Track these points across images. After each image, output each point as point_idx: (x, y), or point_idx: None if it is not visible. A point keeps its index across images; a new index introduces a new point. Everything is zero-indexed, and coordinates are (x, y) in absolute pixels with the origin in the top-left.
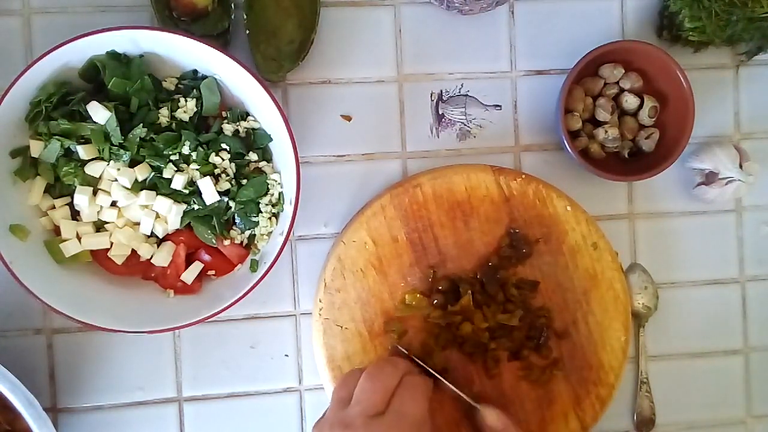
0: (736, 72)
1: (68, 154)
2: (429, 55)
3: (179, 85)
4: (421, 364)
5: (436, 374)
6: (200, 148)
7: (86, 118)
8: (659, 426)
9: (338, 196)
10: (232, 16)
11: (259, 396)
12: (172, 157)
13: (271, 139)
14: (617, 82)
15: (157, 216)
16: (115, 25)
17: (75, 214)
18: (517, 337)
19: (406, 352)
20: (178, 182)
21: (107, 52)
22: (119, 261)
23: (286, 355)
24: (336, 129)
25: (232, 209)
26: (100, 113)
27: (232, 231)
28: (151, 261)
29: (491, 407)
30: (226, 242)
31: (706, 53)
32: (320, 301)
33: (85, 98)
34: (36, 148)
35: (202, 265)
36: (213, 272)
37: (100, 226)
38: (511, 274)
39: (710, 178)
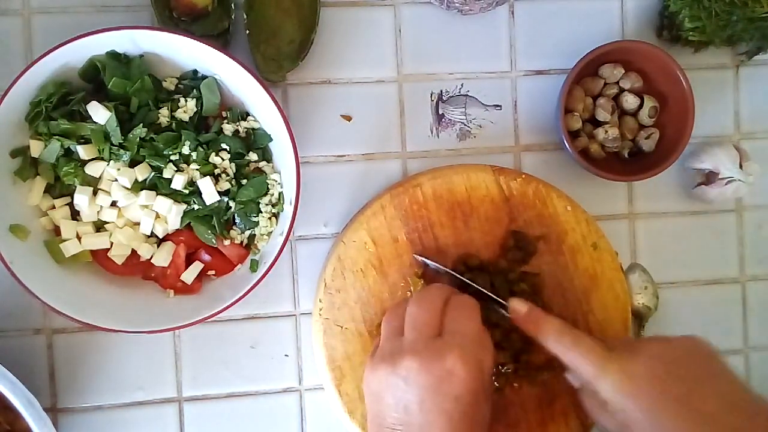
0: (736, 72)
1: (68, 154)
2: (429, 55)
3: (179, 85)
4: (450, 272)
5: (468, 281)
6: (200, 148)
7: (86, 118)
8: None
9: (338, 196)
10: (232, 16)
11: (259, 396)
12: (172, 157)
13: (271, 139)
14: (617, 82)
15: (157, 216)
16: (115, 25)
17: (75, 214)
18: (516, 339)
19: (427, 260)
20: (178, 182)
21: (107, 52)
22: (119, 261)
23: (286, 355)
24: (336, 129)
25: (232, 209)
26: (100, 113)
27: (232, 231)
28: (151, 261)
29: (517, 298)
30: (226, 242)
31: (706, 53)
32: (320, 301)
33: (85, 98)
34: (36, 148)
35: (202, 265)
36: (213, 272)
37: (100, 226)
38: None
39: (710, 178)
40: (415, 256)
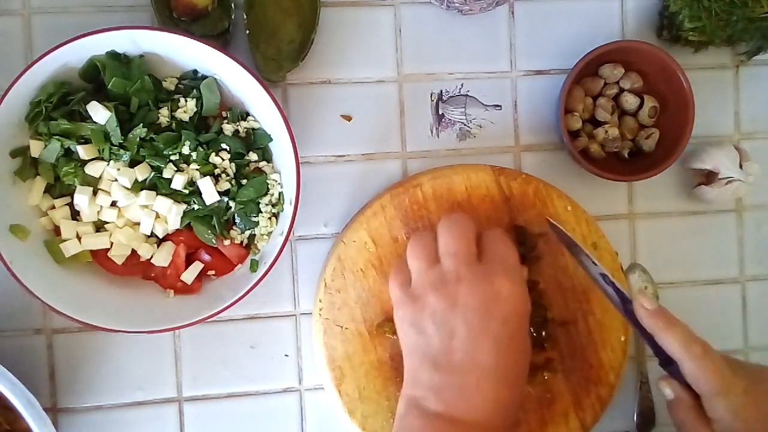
0: (736, 72)
1: (68, 154)
2: (429, 55)
3: (179, 85)
4: (582, 248)
5: (594, 261)
6: (200, 148)
7: (86, 118)
8: (659, 426)
9: (338, 196)
10: (232, 16)
11: (259, 396)
12: (172, 157)
13: (271, 139)
14: (617, 82)
15: (157, 216)
16: (115, 25)
17: (75, 214)
18: None
19: (560, 227)
20: (178, 182)
21: (107, 52)
22: (119, 261)
23: (286, 355)
24: (336, 129)
25: (232, 209)
26: (100, 113)
27: (232, 231)
28: (151, 261)
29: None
30: (226, 242)
31: (706, 53)
32: (320, 301)
33: (85, 98)
34: (36, 148)
35: (202, 265)
36: (213, 272)
37: (100, 226)
38: None
39: (710, 178)
40: (549, 219)
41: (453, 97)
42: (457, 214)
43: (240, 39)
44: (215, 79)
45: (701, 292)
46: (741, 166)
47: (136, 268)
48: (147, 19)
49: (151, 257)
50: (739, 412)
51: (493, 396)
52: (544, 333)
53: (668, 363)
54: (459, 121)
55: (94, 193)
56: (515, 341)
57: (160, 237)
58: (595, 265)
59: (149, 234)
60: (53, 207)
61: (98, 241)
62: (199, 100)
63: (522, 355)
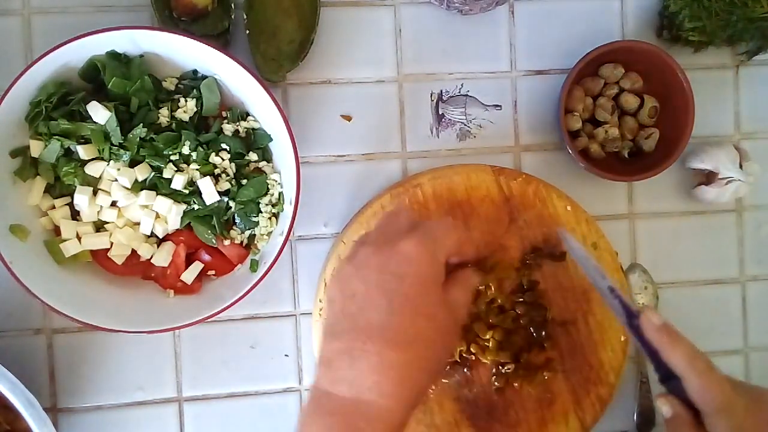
0: (736, 72)
1: (68, 154)
2: (429, 55)
3: (179, 85)
4: (591, 259)
5: (602, 274)
6: (200, 148)
7: (86, 118)
8: (659, 426)
9: (338, 196)
10: (232, 16)
11: (259, 396)
12: (172, 157)
13: (271, 139)
14: (617, 82)
15: (157, 216)
16: (115, 25)
17: (75, 214)
18: (516, 341)
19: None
20: (178, 182)
21: (107, 52)
22: (119, 261)
23: (286, 355)
24: (336, 129)
25: (232, 209)
26: (100, 113)
27: (232, 231)
28: (151, 261)
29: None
30: (226, 242)
31: (706, 53)
32: (320, 301)
33: (85, 98)
34: (36, 148)
35: (202, 265)
36: (213, 272)
37: (100, 226)
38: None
39: (710, 178)
40: (560, 230)
41: (453, 97)
42: (400, 208)
43: (240, 39)
44: (215, 79)
45: (701, 292)
46: (741, 166)
47: (136, 268)
48: (147, 19)
49: (151, 257)
50: (741, 430)
51: (378, 360)
52: (544, 333)
53: (668, 378)
54: (459, 121)
55: (94, 193)
56: (412, 300)
57: (160, 237)
58: (604, 279)
59: (149, 234)
60: (53, 207)
61: (98, 241)
62: (199, 100)
63: (421, 319)
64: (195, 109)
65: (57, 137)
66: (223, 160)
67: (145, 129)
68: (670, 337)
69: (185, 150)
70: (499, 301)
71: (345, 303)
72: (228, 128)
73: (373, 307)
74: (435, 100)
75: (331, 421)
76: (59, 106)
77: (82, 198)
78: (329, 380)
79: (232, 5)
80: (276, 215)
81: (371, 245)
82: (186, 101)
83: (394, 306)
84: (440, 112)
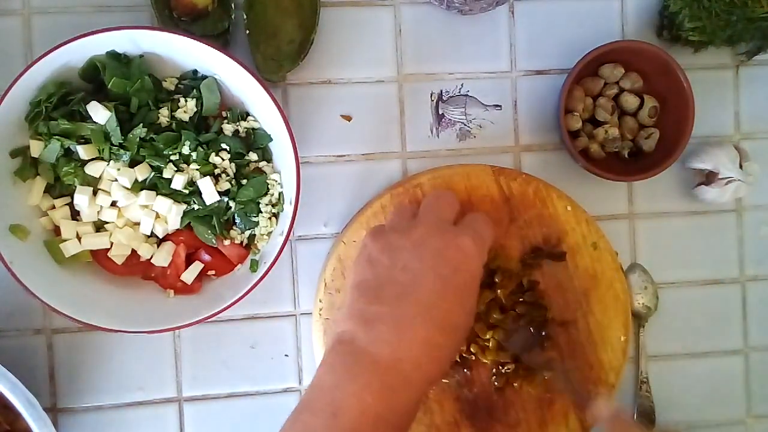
0: (736, 72)
1: (68, 154)
2: (429, 55)
3: (179, 85)
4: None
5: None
6: (200, 148)
7: (86, 118)
8: (659, 426)
9: (338, 196)
10: (232, 16)
11: (259, 396)
12: (172, 157)
13: (271, 139)
14: (617, 82)
15: (157, 216)
16: (115, 25)
17: (75, 214)
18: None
19: None
20: (178, 182)
21: (107, 52)
22: (119, 261)
23: (286, 355)
24: (336, 129)
25: (232, 209)
26: (100, 113)
27: (232, 231)
28: (151, 261)
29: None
30: (226, 242)
31: (706, 53)
32: (320, 301)
33: (85, 98)
34: (36, 148)
35: (202, 265)
36: (213, 272)
37: (100, 226)
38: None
39: (710, 178)
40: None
41: (453, 97)
42: (445, 191)
43: (240, 39)
44: (215, 79)
45: (701, 292)
46: (741, 166)
47: (136, 268)
48: (147, 19)
49: (151, 257)
50: None
51: (425, 336)
52: (544, 333)
53: None
54: (459, 121)
55: (94, 193)
56: (461, 292)
57: (160, 237)
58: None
59: (149, 234)
60: (53, 207)
61: (98, 241)
62: (199, 100)
63: (464, 311)
64: (195, 109)
65: (57, 137)
66: (223, 160)
67: (145, 129)
68: (620, 429)
69: (185, 150)
70: (501, 300)
71: (395, 272)
72: (228, 128)
73: (428, 286)
74: (435, 100)
75: (370, 379)
76: (59, 106)
77: (82, 198)
78: (370, 339)
79: (232, 5)
80: (276, 215)
81: (425, 226)
82: (186, 101)
83: (447, 292)
84: (440, 112)
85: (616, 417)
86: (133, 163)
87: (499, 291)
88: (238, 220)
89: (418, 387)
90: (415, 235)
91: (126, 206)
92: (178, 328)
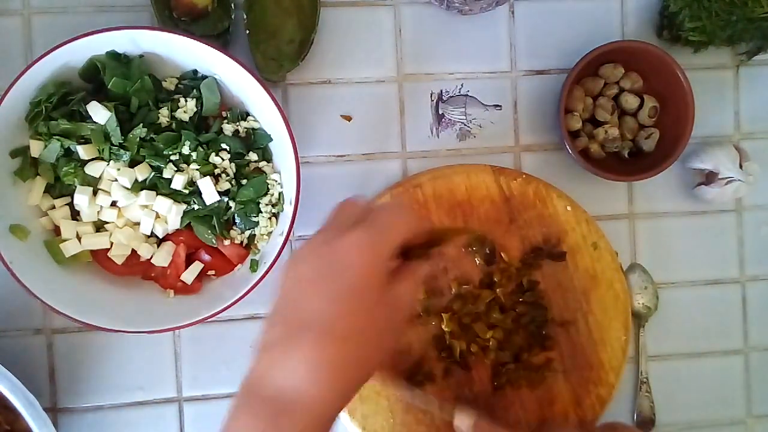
0: (736, 72)
1: (68, 154)
2: (429, 55)
3: (179, 85)
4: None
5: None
6: (200, 148)
7: (86, 118)
8: (659, 426)
9: (338, 196)
10: (232, 16)
11: None
12: (172, 157)
13: (271, 139)
14: (617, 82)
15: (157, 216)
16: (115, 25)
17: (75, 214)
18: (516, 341)
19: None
20: (178, 182)
21: (107, 52)
22: (119, 261)
23: None
24: (336, 129)
25: (232, 209)
26: (100, 113)
27: (232, 231)
28: (151, 261)
29: (466, 411)
30: (226, 242)
31: (706, 53)
32: None
33: (85, 98)
34: (36, 148)
35: (202, 265)
36: (213, 272)
37: (100, 226)
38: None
39: (710, 178)
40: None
41: (453, 97)
42: (355, 195)
43: (240, 39)
44: (215, 79)
45: (701, 292)
46: (741, 166)
47: (136, 268)
48: (147, 19)
49: (151, 257)
50: None
51: (313, 351)
52: (544, 332)
53: None
54: (459, 121)
55: (94, 193)
56: (352, 296)
57: (160, 237)
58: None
59: (149, 234)
60: (53, 207)
61: (98, 241)
62: (199, 100)
63: (360, 315)
64: (195, 109)
65: (57, 137)
66: (223, 160)
67: (145, 129)
68: None
69: (185, 150)
70: (501, 300)
71: (290, 288)
72: (228, 128)
73: (315, 296)
74: (435, 100)
75: (260, 408)
76: (59, 106)
77: (82, 198)
78: (265, 365)
79: (232, 5)
80: (276, 215)
81: (322, 232)
82: (186, 101)
83: (334, 298)
84: (440, 112)
85: (477, 425)
86: (133, 163)
87: (498, 290)
88: (238, 220)
89: (320, 405)
90: (310, 245)
91: (126, 206)
92: (178, 328)
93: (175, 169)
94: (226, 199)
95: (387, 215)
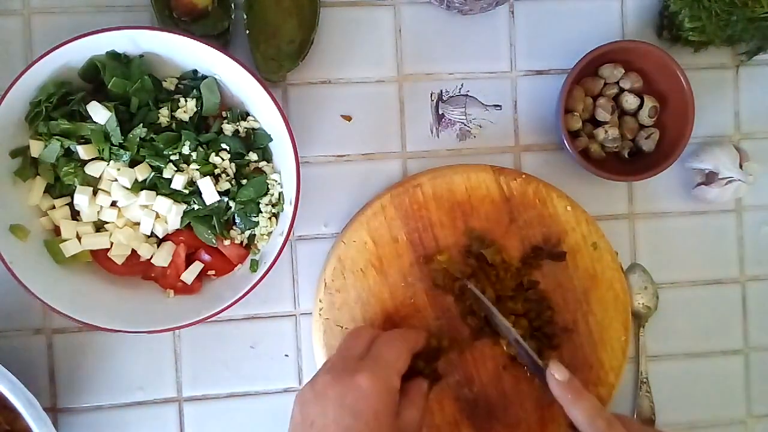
0: (736, 72)
1: (68, 154)
2: (429, 55)
3: (179, 85)
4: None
5: (508, 326)
6: (200, 148)
7: (86, 118)
8: (659, 426)
9: (338, 196)
10: (232, 16)
11: (259, 396)
12: (172, 157)
13: (271, 139)
14: (617, 82)
15: (157, 216)
16: (115, 25)
17: (75, 214)
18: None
19: (476, 292)
20: (178, 182)
21: (107, 52)
22: (119, 261)
23: (286, 355)
24: (336, 129)
25: (232, 209)
26: (100, 113)
27: (232, 231)
28: (151, 261)
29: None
30: (226, 242)
31: (706, 53)
32: (320, 301)
33: (85, 98)
34: (36, 148)
35: (202, 265)
36: (213, 272)
37: (100, 226)
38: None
39: (710, 178)
40: (469, 285)
41: (453, 97)
42: (361, 327)
43: (240, 39)
44: (215, 79)
45: (701, 292)
46: (741, 166)
47: (136, 268)
48: (147, 19)
49: (151, 257)
50: None
51: None
52: (544, 333)
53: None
54: (459, 121)
55: (94, 193)
56: None
57: (160, 237)
58: (510, 329)
59: (149, 234)
60: (53, 207)
61: (98, 241)
62: (199, 100)
63: None
64: (195, 109)
65: (57, 137)
66: (223, 160)
67: (145, 129)
68: (573, 394)
69: (185, 150)
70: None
71: (304, 429)
72: (228, 128)
73: None
74: (435, 100)
75: None
76: (59, 106)
77: (82, 198)
78: None
79: (232, 5)
80: (276, 215)
81: (330, 373)
82: (186, 101)
83: None
84: (440, 112)
85: (570, 381)
86: (133, 163)
87: (498, 288)
88: (238, 220)
89: None
90: (318, 386)
91: (126, 206)
92: (178, 328)
93: (175, 169)
94: (226, 199)
95: (388, 347)
